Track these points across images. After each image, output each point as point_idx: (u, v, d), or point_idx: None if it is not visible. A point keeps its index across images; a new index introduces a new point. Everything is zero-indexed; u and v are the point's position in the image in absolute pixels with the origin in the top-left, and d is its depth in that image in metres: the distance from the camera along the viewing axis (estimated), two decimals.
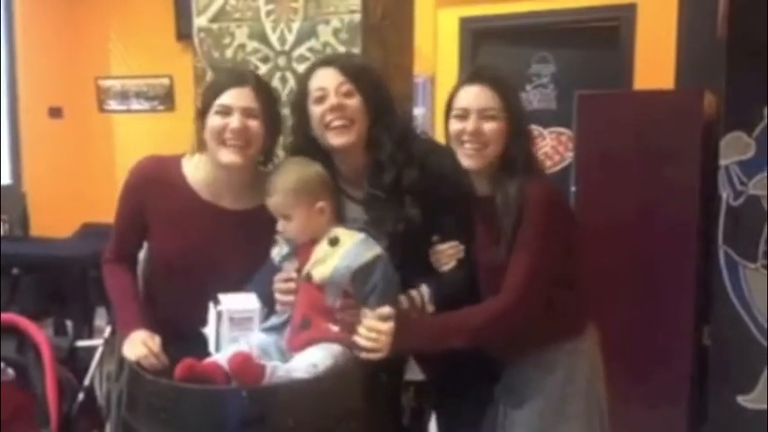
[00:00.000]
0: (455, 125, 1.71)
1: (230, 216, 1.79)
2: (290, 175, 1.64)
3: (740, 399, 2.68)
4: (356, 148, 1.76)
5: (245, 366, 1.43)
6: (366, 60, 1.97)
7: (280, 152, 1.93)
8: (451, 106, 1.74)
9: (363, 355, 1.54)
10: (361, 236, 1.60)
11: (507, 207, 1.65)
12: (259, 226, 1.72)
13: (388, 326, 1.53)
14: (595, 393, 1.78)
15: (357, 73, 1.75)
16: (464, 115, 1.70)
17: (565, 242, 1.71)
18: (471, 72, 1.78)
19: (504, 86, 1.72)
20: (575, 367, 1.75)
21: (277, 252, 1.69)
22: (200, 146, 1.80)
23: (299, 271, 1.63)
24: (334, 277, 1.55)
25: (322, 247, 1.58)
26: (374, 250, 1.57)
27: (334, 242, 1.58)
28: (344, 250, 1.56)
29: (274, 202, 1.64)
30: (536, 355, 1.74)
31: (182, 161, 1.84)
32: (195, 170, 1.82)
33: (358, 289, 1.56)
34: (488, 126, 1.68)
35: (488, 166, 1.71)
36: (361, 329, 1.54)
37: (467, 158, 1.70)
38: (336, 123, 1.71)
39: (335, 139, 1.72)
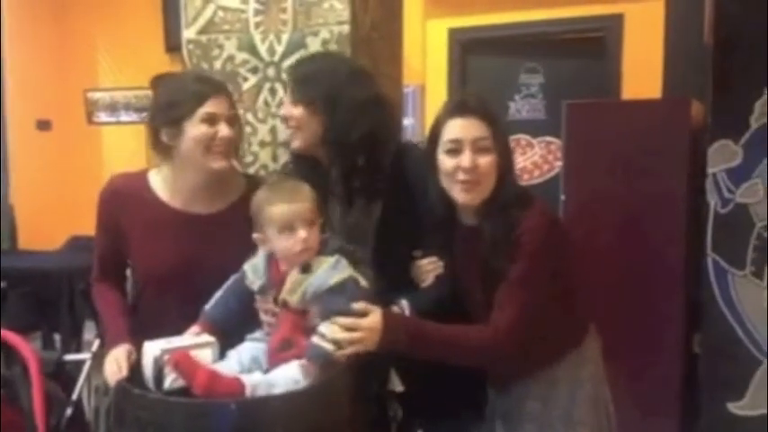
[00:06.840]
0: (448, 161, 1.64)
1: (204, 221, 1.80)
2: (306, 187, 1.64)
3: (731, 406, 2.69)
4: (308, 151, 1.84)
5: (212, 384, 1.43)
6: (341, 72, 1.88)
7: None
8: (438, 140, 1.67)
9: (346, 351, 1.50)
10: (331, 260, 1.58)
11: (495, 240, 1.61)
12: (233, 225, 1.73)
13: (368, 321, 1.51)
14: (602, 397, 1.77)
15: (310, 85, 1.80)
16: (457, 149, 1.63)
17: (559, 270, 1.67)
18: (457, 103, 1.70)
19: (491, 116, 1.66)
20: (579, 375, 1.73)
21: (250, 283, 1.65)
22: (164, 156, 1.78)
23: (275, 299, 1.62)
24: (306, 301, 1.55)
25: (294, 275, 1.58)
26: (343, 273, 1.56)
27: (306, 269, 1.58)
28: (315, 275, 1.56)
29: (302, 208, 1.59)
30: (538, 372, 1.73)
31: (147, 175, 1.84)
32: (163, 181, 1.81)
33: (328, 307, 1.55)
34: (483, 160, 1.62)
35: (481, 201, 1.66)
36: (338, 326, 1.50)
37: (464, 193, 1.64)
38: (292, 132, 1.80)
39: (295, 143, 1.85)
